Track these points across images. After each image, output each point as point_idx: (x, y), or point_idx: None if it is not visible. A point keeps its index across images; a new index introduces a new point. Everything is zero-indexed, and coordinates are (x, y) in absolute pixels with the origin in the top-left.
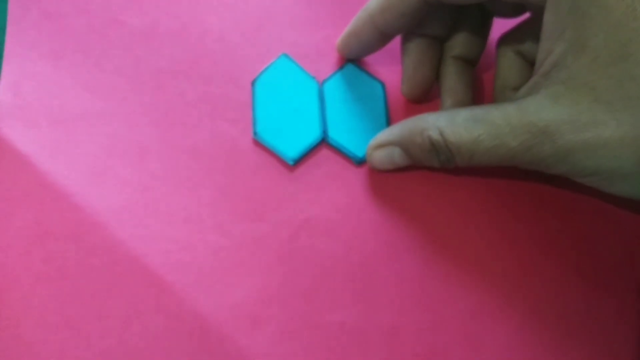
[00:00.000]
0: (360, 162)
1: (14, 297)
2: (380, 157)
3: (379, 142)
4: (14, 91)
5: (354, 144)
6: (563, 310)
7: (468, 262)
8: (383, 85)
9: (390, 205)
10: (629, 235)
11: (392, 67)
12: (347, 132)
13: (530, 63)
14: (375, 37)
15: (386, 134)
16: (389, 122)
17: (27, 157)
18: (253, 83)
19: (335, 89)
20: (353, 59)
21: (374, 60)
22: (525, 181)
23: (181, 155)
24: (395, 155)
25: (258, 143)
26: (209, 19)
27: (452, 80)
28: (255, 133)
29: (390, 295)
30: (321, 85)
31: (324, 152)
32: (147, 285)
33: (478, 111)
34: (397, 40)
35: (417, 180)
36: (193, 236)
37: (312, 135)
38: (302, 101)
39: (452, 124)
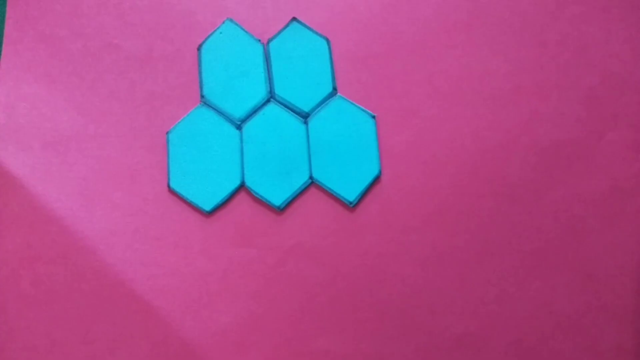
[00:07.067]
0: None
1: (1, 319)
2: None
3: None
4: (8, 113)
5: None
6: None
7: (454, 286)
8: (329, 44)
9: (375, 232)
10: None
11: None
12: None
13: None
14: None
15: None
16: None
17: (18, 179)
18: (199, 48)
19: (280, 48)
20: None
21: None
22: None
23: None
24: None
25: None
26: None
27: None
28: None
29: (375, 323)
30: (266, 45)
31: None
32: (134, 311)
33: None
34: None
35: (401, 208)
36: (181, 261)
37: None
38: (248, 65)
39: None
